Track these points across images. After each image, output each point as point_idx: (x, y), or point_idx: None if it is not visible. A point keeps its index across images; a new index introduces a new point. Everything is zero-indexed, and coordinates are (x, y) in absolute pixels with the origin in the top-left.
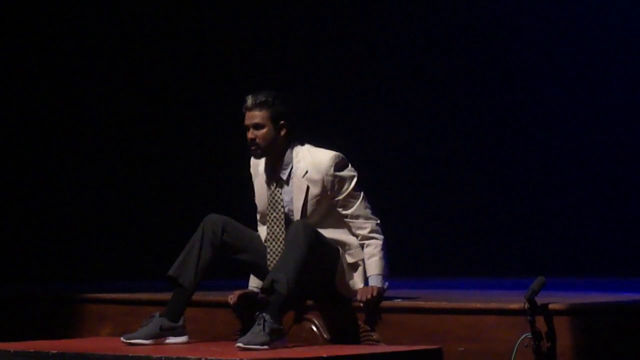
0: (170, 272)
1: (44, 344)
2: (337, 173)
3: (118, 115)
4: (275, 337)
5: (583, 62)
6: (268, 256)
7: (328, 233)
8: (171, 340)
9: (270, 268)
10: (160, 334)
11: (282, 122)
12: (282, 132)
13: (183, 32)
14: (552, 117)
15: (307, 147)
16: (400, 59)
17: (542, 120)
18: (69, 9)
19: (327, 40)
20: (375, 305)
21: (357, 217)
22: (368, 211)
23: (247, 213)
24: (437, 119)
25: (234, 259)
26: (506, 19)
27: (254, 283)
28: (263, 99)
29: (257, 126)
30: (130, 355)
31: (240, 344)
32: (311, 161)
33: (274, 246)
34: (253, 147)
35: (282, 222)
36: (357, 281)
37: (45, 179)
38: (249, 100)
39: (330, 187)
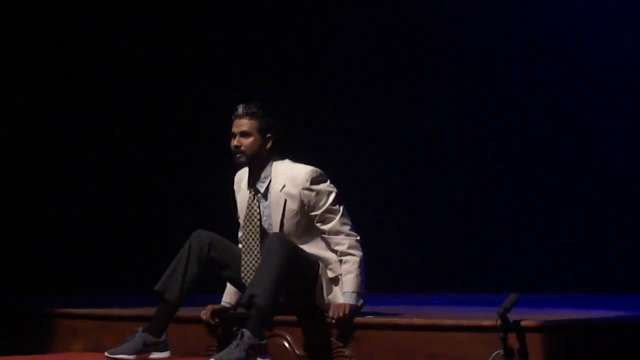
0: (157, 287)
1: (18, 359)
2: (314, 187)
3: (102, 128)
4: (254, 353)
5: (569, 79)
6: (242, 269)
7: (308, 248)
8: (154, 355)
9: (244, 281)
10: (143, 350)
11: (269, 134)
12: (268, 145)
13: (175, 47)
14: (525, 133)
15: (287, 162)
16: (383, 70)
17: (517, 136)
18: (70, 14)
19: (302, 54)
20: (346, 323)
21: (335, 233)
22: (347, 227)
23: (229, 229)
24: (413, 135)
25: (220, 275)
26: (497, 17)
27: (227, 298)
28: (254, 109)
29: (244, 134)
30: None
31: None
32: (289, 175)
33: (248, 259)
34: (238, 155)
35: (258, 235)
36: (338, 295)
37: (18, 191)
38: (240, 109)
39: (307, 202)
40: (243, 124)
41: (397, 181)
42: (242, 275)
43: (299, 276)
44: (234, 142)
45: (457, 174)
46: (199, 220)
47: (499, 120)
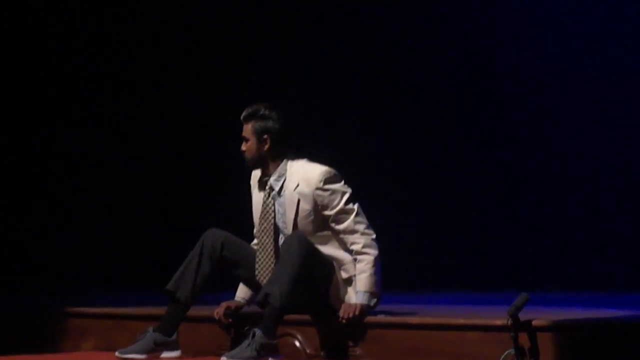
0: (169, 286)
1: (29, 358)
2: (327, 187)
3: (112, 125)
4: (265, 353)
5: (571, 75)
6: (257, 266)
7: (322, 248)
8: (165, 354)
9: (257, 278)
10: (154, 349)
11: (265, 136)
12: (266, 146)
13: (182, 45)
14: (533, 131)
15: (303, 162)
16: (392, 71)
17: (524, 135)
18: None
19: (315, 49)
20: (357, 323)
21: (350, 232)
22: (362, 226)
23: (241, 227)
24: (421, 133)
25: (232, 275)
26: (503, 18)
27: (241, 293)
28: (250, 111)
29: (244, 138)
30: None
31: (224, 359)
32: (303, 175)
33: (262, 256)
34: (244, 158)
35: (272, 233)
36: (352, 296)
37: (28, 189)
38: (243, 113)
39: (321, 202)
40: (244, 128)
41: (411, 180)
42: (257, 273)
43: (314, 277)
44: (241, 147)
45: (471, 174)
46: (213, 219)
47: (512, 119)
